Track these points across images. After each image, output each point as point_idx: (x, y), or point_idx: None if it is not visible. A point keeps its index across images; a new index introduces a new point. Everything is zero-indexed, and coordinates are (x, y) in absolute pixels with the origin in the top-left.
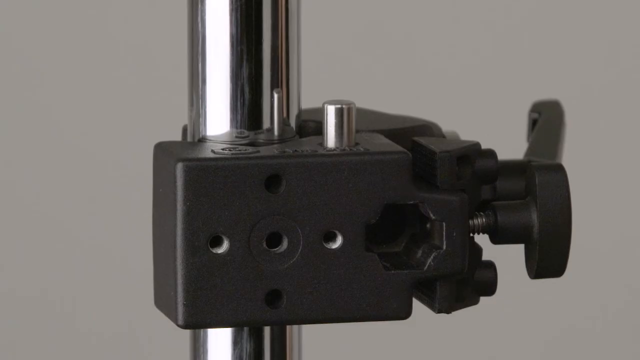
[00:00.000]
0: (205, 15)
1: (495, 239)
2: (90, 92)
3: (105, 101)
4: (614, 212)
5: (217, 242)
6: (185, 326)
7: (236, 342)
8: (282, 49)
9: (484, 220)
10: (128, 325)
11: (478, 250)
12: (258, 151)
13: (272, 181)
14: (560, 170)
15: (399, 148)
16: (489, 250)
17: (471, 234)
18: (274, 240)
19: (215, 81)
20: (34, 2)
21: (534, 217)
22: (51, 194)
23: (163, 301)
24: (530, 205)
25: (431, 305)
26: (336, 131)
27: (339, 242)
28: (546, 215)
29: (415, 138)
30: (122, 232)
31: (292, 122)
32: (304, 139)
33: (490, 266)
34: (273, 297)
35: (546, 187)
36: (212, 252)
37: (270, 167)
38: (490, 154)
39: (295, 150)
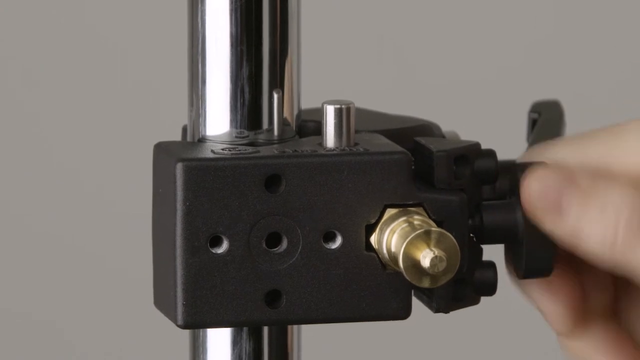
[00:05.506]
0: (205, 15)
1: (482, 240)
2: (91, 93)
3: (105, 101)
4: None
5: (217, 242)
6: (184, 326)
7: (235, 342)
8: (281, 49)
9: (470, 221)
10: (128, 326)
11: (478, 250)
12: (258, 151)
13: (272, 181)
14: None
15: (398, 148)
16: (489, 250)
17: (471, 234)
18: (273, 240)
19: (215, 81)
20: (33, 2)
21: (519, 216)
22: (51, 194)
23: (162, 301)
24: (514, 205)
25: (429, 305)
26: (335, 131)
27: (338, 242)
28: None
29: (417, 138)
30: (122, 232)
31: (292, 122)
32: (303, 139)
33: (491, 266)
34: (272, 297)
35: None
36: (211, 252)
37: (270, 167)
38: (490, 154)
39: (295, 151)
